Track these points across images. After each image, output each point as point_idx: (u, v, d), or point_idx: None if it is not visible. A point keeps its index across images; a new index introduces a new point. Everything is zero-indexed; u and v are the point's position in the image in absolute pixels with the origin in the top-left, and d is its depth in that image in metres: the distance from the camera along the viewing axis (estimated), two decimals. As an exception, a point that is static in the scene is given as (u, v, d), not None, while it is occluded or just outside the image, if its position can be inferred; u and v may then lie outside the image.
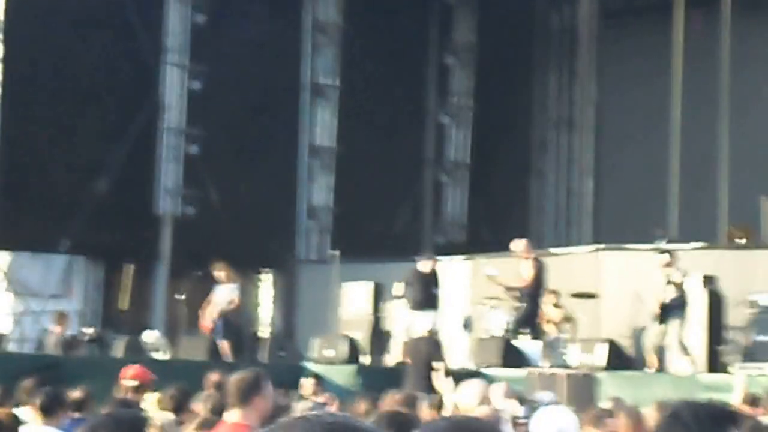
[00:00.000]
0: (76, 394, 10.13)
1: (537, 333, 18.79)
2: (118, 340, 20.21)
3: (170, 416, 9.31)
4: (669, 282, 17.18)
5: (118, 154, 23.71)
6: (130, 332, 21.47)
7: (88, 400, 10.18)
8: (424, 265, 18.74)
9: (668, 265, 17.26)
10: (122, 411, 7.70)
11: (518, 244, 19.15)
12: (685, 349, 17.04)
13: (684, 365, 17.05)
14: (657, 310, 17.25)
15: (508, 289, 19.08)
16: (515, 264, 19.14)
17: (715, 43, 23.66)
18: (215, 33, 24.49)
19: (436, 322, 18.37)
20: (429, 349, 16.19)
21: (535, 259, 19.09)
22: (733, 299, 17.58)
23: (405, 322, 18.55)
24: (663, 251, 17.48)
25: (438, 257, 20.13)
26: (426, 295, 18.61)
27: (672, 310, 17.18)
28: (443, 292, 18.95)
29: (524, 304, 18.87)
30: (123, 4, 23.52)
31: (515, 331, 18.84)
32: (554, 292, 18.98)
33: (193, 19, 24.53)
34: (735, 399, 12.99)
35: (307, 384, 14.81)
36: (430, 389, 14.00)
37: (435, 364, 15.96)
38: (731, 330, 17.70)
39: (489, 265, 20.12)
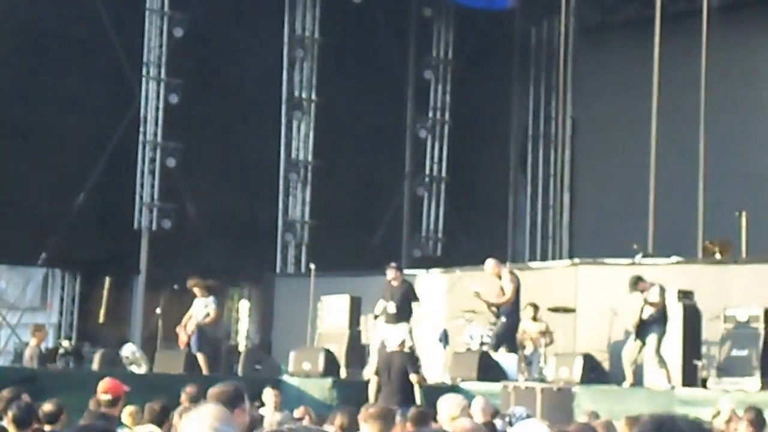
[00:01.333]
0: (48, 407, 10.11)
1: (515, 347, 18.83)
2: (94, 353, 20.16)
3: (155, 429, 9.33)
4: (647, 302, 17.22)
5: (96, 168, 23.69)
6: (107, 345, 21.45)
7: (61, 413, 10.16)
8: (388, 275, 18.82)
9: (643, 290, 17.30)
10: (95, 424, 7.69)
11: (489, 264, 19.25)
12: (662, 364, 17.08)
13: (660, 380, 17.09)
14: (635, 324, 17.28)
15: (490, 305, 19.11)
16: (490, 280, 19.20)
17: (692, 58, 23.77)
18: (193, 47, 24.51)
19: (410, 334, 18.40)
20: (402, 361, 16.21)
21: (511, 273, 19.14)
22: (710, 314, 17.64)
23: (380, 336, 18.57)
24: (633, 281, 17.41)
25: (412, 270, 20.15)
26: (400, 307, 18.65)
27: (651, 325, 17.23)
28: (418, 304, 18.98)
29: (504, 319, 18.91)
30: (101, 17, 23.52)
31: (495, 347, 18.87)
32: (533, 306, 19.02)
33: (171, 32, 24.55)
34: (719, 422, 13.00)
35: (267, 394, 14.75)
36: (404, 402, 13.99)
37: (411, 377, 15.97)
38: (707, 345, 17.76)
39: (467, 279, 20.16)
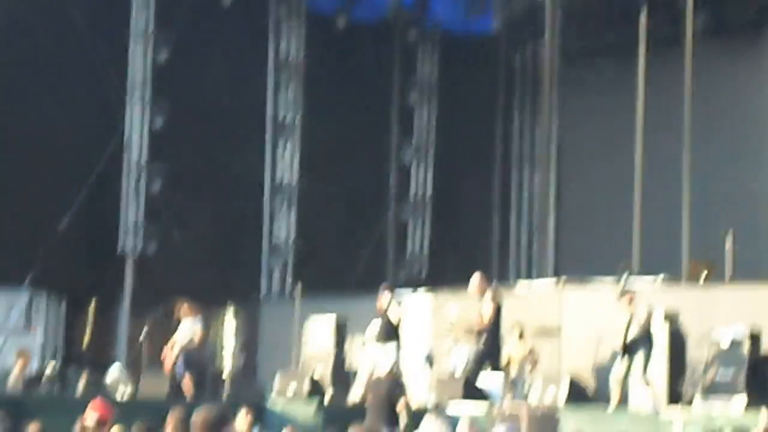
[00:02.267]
0: (32, 430, 10.07)
1: (498, 369, 18.80)
2: (79, 376, 20.08)
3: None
4: (632, 321, 17.23)
5: (81, 191, 23.68)
6: (92, 369, 21.35)
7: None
8: (380, 298, 18.85)
9: (630, 305, 17.31)
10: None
11: (473, 280, 19.22)
12: (649, 385, 17.08)
13: (646, 401, 17.09)
14: (621, 345, 17.29)
15: (468, 331, 19.09)
16: (474, 301, 19.19)
17: (676, 82, 23.92)
18: (178, 70, 24.55)
19: (397, 355, 18.38)
20: (389, 387, 16.19)
21: (494, 294, 19.12)
22: (695, 335, 17.66)
23: (367, 357, 18.54)
24: (623, 293, 17.48)
25: (400, 292, 20.13)
26: (386, 328, 18.66)
27: (637, 345, 17.23)
28: (405, 325, 18.98)
29: (486, 340, 18.89)
30: (85, 40, 23.56)
31: (477, 367, 18.85)
32: (518, 327, 19.01)
33: (156, 56, 24.59)
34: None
35: (241, 415, 14.72)
36: (390, 426, 13.95)
37: (398, 404, 15.96)
38: (692, 366, 17.77)
39: (451, 303, 20.12)
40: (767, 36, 24.49)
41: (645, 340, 17.20)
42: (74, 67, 23.79)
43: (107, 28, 24.30)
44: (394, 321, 18.77)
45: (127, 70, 24.61)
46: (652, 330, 17.28)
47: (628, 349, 17.21)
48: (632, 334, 17.18)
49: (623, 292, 17.47)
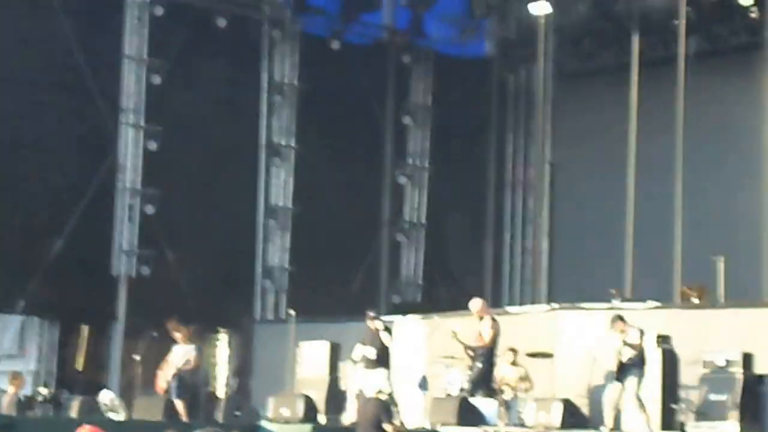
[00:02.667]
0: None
1: (492, 392, 18.81)
2: (73, 400, 20.04)
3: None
4: (625, 344, 17.25)
5: (74, 214, 23.68)
6: (86, 392, 21.30)
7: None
8: (368, 323, 18.90)
9: (622, 330, 17.33)
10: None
11: (475, 304, 19.22)
12: (642, 408, 17.09)
13: (640, 424, 17.09)
14: (614, 368, 17.29)
15: (467, 348, 19.09)
16: (471, 323, 19.19)
17: (669, 104, 23.99)
18: (171, 93, 24.59)
19: (388, 380, 18.40)
20: (376, 410, 16.20)
21: (493, 319, 19.16)
22: (687, 358, 17.69)
23: (359, 382, 18.56)
24: (614, 319, 17.47)
25: (391, 315, 20.14)
26: (378, 353, 18.69)
27: (630, 368, 17.24)
28: (396, 350, 18.99)
29: (480, 364, 18.89)
30: (79, 64, 23.60)
31: (471, 392, 18.85)
32: (512, 351, 19.03)
33: (149, 80, 24.64)
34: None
35: None
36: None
37: (384, 426, 15.97)
38: (685, 389, 17.79)
39: (446, 324, 20.14)
40: (759, 58, 24.56)
41: (638, 363, 17.21)
42: (67, 91, 23.83)
43: (101, 52, 24.34)
44: (384, 345, 18.81)
45: (120, 93, 24.63)
46: (645, 353, 17.29)
47: (621, 373, 17.23)
48: (625, 358, 17.19)
49: (615, 318, 17.49)
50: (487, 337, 18.82)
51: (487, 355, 18.89)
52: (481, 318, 19.08)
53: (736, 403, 16.70)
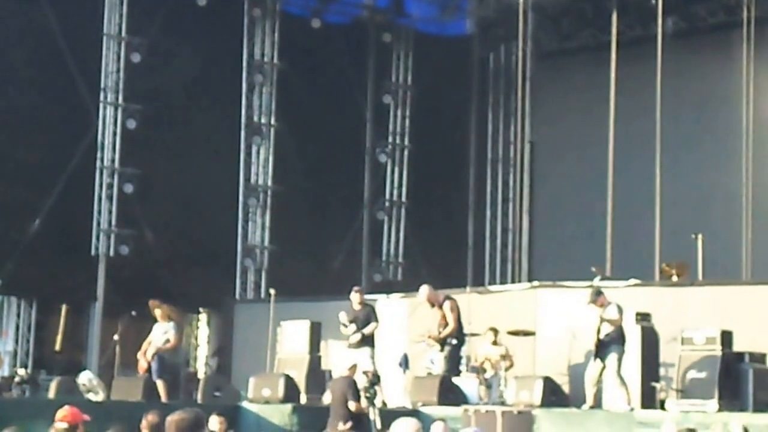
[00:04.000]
0: (4, 435, 10.02)
1: (475, 370, 18.86)
2: (51, 381, 20.00)
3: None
4: (603, 320, 17.30)
5: (53, 193, 23.59)
6: (64, 373, 21.28)
7: (16, 441, 10.07)
8: (353, 298, 18.94)
9: (601, 305, 17.38)
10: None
11: (422, 293, 19.24)
12: (623, 385, 17.15)
13: (620, 401, 17.16)
14: (594, 344, 17.36)
15: (440, 339, 19.12)
16: (428, 306, 19.21)
17: (647, 83, 24.04)
18: (151, 72, 24.49)
19: (372, 359, 18.44)
20: (343, 388, 16.23)
21: (451, 300, 19.14)
22: (667, 336, 17.76)
23: (342, 360, 18.59)
24: (592, 297, 17.51)
25: (373, 294, 20.14)
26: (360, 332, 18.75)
27: (609, 345, 17.30)
28: (377, 325, 19.03)
29: (452, 345, 18.99)
30: (58, 43, 23.48)
31: (452, 371, 18.91)
32: (492, 330, 19.08)
33: (129, 58, 24.53)
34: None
35: (213, 421, 14.72)
36: (345, 425, 13.97)
37: (349, 404, 16.01)
38: (665, 366, 17.87)
39: (426, 305, 20.09)
40: (735, 37, 24.64)
41: (617, 340, 17.27)
42: (47, 69, 23.71)
43: (80, 30, 24.21)
44: (367, 323, 18.85)
45: (99, 71, 24.52)
46: (624, 330, 17.36)
47: (601, 350, 17.29)
48: (603, 334, 17.25)
49: (594, 292, 17.54)
50: (452, 322, 18.87)
51: (458, 335, 18.99)
52: (433, 305, 19.09)
53: (715, 380, 16.75)
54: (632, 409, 16.91)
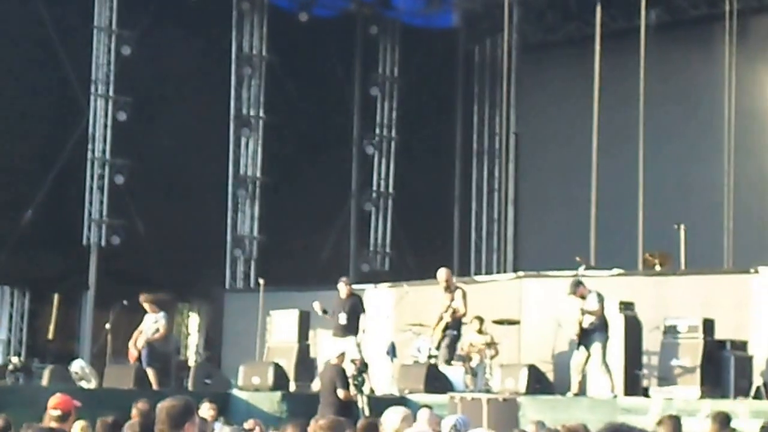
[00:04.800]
0: (-3, 422, 10.19)
1: (461, 359, 19.13)
2: (44, 369, 20.19)
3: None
4: (584, 312, 17.53)
5: (44, 184, 23.77)
6: (57, 361, 21.46)
7: (9, 429, 10.23)
8: (340, 289, 19.21)
9: (582, 296, 17.60)
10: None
11: (442, 273, 19.51)
12: (607, 372, 17.38)
13: (604, 388, 17.40)
14: (577, 333, 17.58)
15: (445, 327, 19.31)
16: (437, 291, 19.48)
17: (631, 75, 24.25)
18: (141, 64, 24.67)
19: (358, 347, 18.70)
20: (332, 375, 16.47)
21: (460, 288, 19.45)
22: (650, 324, 18.00)
23: (328, 349, 18.84)
24: (572, 288, 17.71)
25: (360, 284, 20.36)
26: (347, 321, 19.02)
27: (592, 333, 17.51)
28: (366, 318, 19.29)
29: (453, 332, 19.23)
30: (49, 35, 23.64)
31: (449, 359, 19.14)
32: (478, 319, 19.30)
33: (119, 51, 24.71)
34: (649, 421, 13.36)
35: (204, 408, 14.93)
36: (334, 414, 14.23)
37: (338, 392, 16.27)
38: (648, 354, 18.13)
39: (414, 293, 20.35)
40: (718, 30, 24.86)
41: (600, 328, 17.49)
42: (38, 62, 23.87)
43: (71, 23, 24.38)
44: (354, 312, 19.11)
45: (90, 64, 24.69)
46: (607, 318, 17.59)
47: (585, 338, 17.52)
48: (586, 324, 17.47)
49: (574, 283, 17.75)
50: (462, 308, 19.12)
51: (458, 323, 19.26)
52: (447, 287, 19.35)
53: (697, 367, 17.02)
54: (615, 396, 17.17)
